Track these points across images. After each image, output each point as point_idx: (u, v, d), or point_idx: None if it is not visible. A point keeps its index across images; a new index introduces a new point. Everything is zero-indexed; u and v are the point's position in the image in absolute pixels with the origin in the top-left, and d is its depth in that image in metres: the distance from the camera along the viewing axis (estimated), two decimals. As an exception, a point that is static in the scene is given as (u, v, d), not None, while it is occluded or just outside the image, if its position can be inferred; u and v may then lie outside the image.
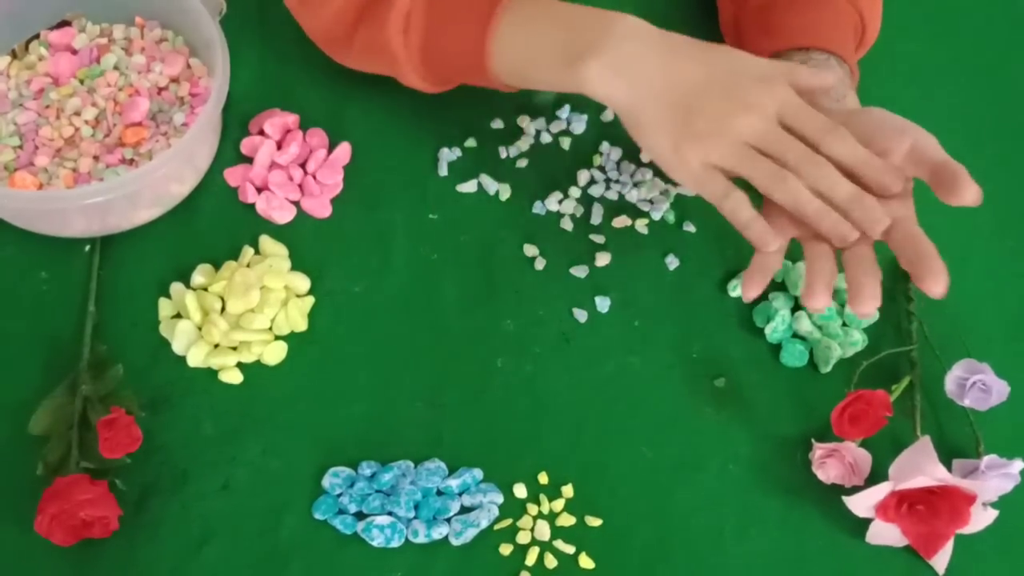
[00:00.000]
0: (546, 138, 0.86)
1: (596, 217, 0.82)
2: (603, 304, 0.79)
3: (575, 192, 0.83)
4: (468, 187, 0.83)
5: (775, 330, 0.77)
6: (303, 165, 0.84)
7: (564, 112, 0.87)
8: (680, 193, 0.84)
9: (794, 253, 0.81)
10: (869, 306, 0.66)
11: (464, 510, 0.72)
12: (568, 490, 0.72)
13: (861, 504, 0.70)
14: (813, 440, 0.72)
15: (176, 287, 0.78)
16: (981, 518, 0.69)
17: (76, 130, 0.81)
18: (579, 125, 0.86)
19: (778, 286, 0.80)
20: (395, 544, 0.70)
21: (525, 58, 0.72)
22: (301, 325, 0.77)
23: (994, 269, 0.82)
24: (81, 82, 0.83)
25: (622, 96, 0.69)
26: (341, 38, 0.77)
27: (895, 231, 0.68)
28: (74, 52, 0.84)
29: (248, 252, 0.79)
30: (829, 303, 0.67)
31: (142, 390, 0.74)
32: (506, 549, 0.70)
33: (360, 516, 0.71)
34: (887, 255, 0.81)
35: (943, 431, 0.75)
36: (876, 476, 0.71)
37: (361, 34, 0.75)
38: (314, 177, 0.83)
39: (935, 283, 0.65)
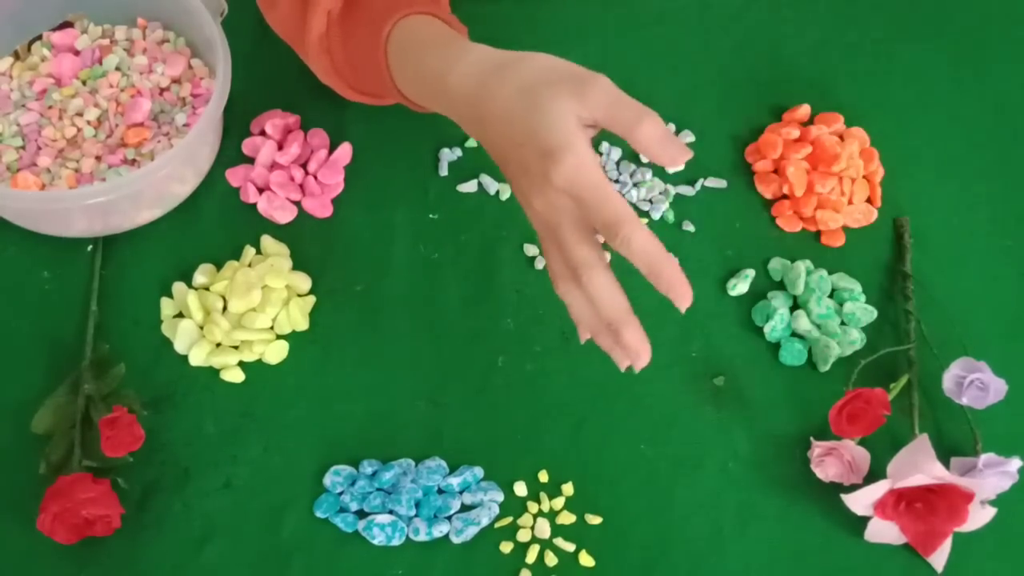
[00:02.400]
0: (546, 138, 0.86)
1: (596, 217, 0.82)
2: (603, 303, 0.79)
3: (575, 192, 0.84)
4: (468, 187, 0.83)
5: (774, 329, 0.77)
6: (304, 165, 0.84)
7: (564, 112, 0.87)
8: (680, 193, 0.84)
9: (793, 252, 0.81)
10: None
11: (465, 508, 0.72)
12: (568, 488, 0.72)
13: (860, 502, 0.70)
14: (812, 438, 0.73)
15: (178, 286, 0.78)
16: (979, 516, 0.69)
17: (78, 131, 0.81)
18: (579, 125, 0.86)
19: (777, 285, 0.80)
20: (396, 542, 0.70)
21: (415, 90, 0.71)
22: (302, 324, 0.77)
23: (992, 268, 0.82)
24: (83, 83, 0.84)
25: (473, 137, 0.68)
26: (297, 44, 0.78)
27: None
28: (76, 53, 0.84)
29: (249, 252, 0.80)
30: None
31: (144, 389, 0.75)
32: (506, 547, 0.71)
33: (361, 514, 0.71)
34: (881, 257, 0.82)
35: (941, 429, 0.75)
36: (874, 474, 0.71)
37: (306, 45, 0.76)
38: (315, 177, 0.83)
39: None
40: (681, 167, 0.64)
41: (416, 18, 0.71)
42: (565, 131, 0.61)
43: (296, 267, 0.80)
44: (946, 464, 0.71)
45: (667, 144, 0.62)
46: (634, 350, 0.63)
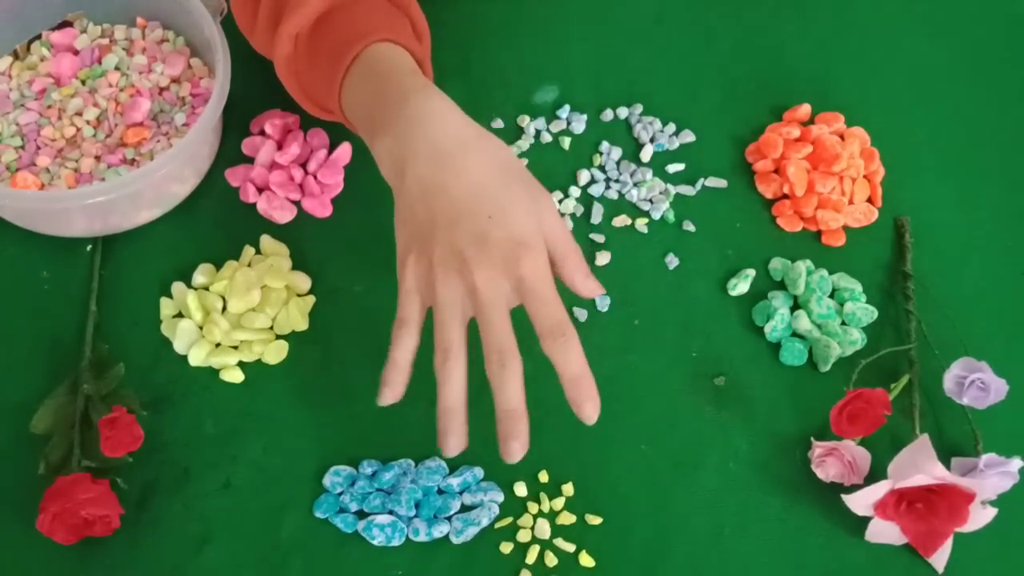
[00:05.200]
0: (546, 138, 0.86)
1: (596, 216, 0.82)
2: (603, 303, 0.79)
3: (575, 192, 0.84)
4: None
5: (774, 329, 0.77)
6: (304, 165, 0.84)
7: (564, 112, 0.87)
8: (680, 193, 0.84)
9: (794, 252, 0.81)
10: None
11: (465, 508, 0.72)
12: (568, 488, 0.72)
13: (860, 502, 0.70)
14: (812, 438, 0.73)
15: (177, 286, 0.78)
16: (980, 516, 0.69)
17: (78, 130, 0.81)
18: (579, 125, 0.86)
19: (778, 285, 0.80)
20: (396, 543, 0.70)
21: (358, 123, 0.72)
22: (302, 324, 0.77)
23: (992, 268, 0.82)
24: (83, 82, 0.83)
25: (389, 179, 0.69)
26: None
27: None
28: (76, 53, 0.84)
29: (249, 252, 0.80)
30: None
31: (143, 389, 0.75)
32: (507, 547, 0.71)
33: (361, 515, 0.71)
34: (881, 257, 0.82)
35: (942, 429, 0.75)
36: (875, 474, 0.71)
37: (275, 65, 0.77)
38: (315, 177, 0.83)
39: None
40: (597, 296, 0.71)
41: (380, 47, 0.71)
42: (535, 227, 0.65)
43: (296, 267, 0.80)
44: (947, 464, 0.71)
45: (589, 278, 0.68)
46: (511, 448, 0.65)
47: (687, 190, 0.84)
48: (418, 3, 0.78)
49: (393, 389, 0.67)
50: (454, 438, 0.65)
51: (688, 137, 0.86)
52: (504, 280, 0.64)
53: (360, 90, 0.71)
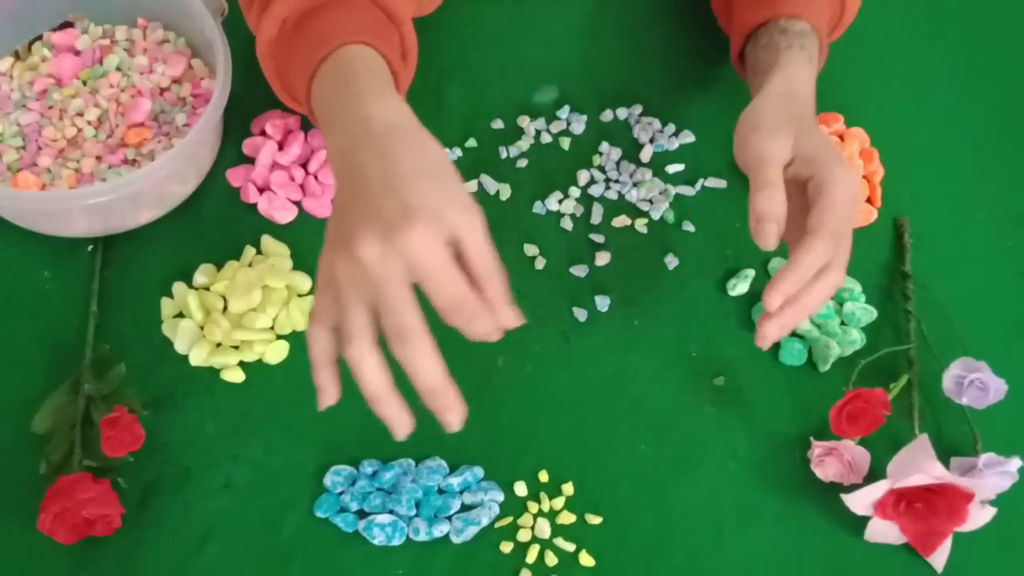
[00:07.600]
0: (546, 138, 0.86)
1: (596, 217, 0.83)
2: (603, 303, 0.79)
3: (575, 192, 0.84)
4: (468, 187, 0.83)
5: (774, 329, 0.77)
6: (305, 165, 0.84)
7: (564, 112, 0.87)
8: (679, 193, 0.84)
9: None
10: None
11: (465, 508, 0.72)
12: (568, 488, 0.72)
13: (860, 502, 0.70)
14: (812, 438, 0.73)
15: (178, 287, 0.78)
16: (979, 516, 0.70)
17: (79, 131, 0.81)
18: (579, 125, 0.86)
19: (777, 285, 0.80)
20: (396, 542, 0.70)
21: (320, 118, 0.70)
22: (302, 324, 0.77)
23: (992, 268, 0.82)
24: (84, 83, 0.84)
25: (334, 176, 0.65)
26: None
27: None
28: (77, 53, 0.84)
29: (250, 252, 0.80)
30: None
31: (144, 389, 0.75)
32: (507, 547, 0.71)
33: (361, 514, 0.72)
34: (881, 257, 0.82)
35: (941, 429, 0.75)
36: (874, 474, 0.71)
37: (256, 46, 0.76)
38: (315, 177, 0.83)
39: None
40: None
41: (359, 49, 0.70)
42: (441, 211, 0.59)
43: (296, 267, 0.80)
44: (946, 464, 0.71)
45: (509, 306, 0.62)
46: (447, 419, 0.60)
47: (687, 190, 0.84)
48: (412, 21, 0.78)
49: (327, 391, 0.63)
50: (396, 421, 0.60)
51: (688, 137, 0.86)
52: (393, 253, 0.58)
53: (328, 85, 0.70)
